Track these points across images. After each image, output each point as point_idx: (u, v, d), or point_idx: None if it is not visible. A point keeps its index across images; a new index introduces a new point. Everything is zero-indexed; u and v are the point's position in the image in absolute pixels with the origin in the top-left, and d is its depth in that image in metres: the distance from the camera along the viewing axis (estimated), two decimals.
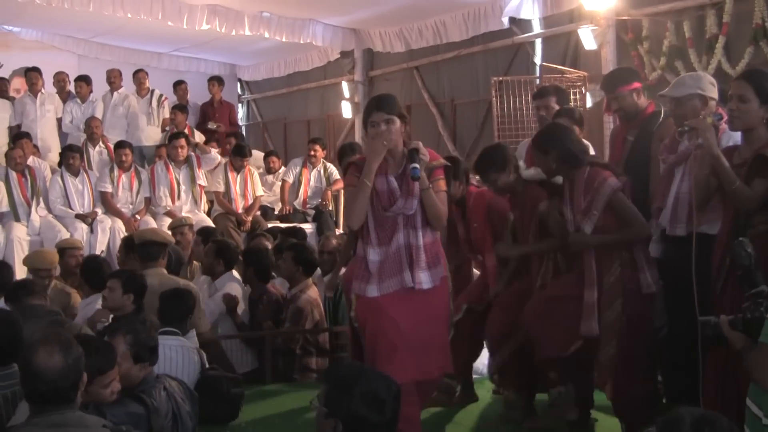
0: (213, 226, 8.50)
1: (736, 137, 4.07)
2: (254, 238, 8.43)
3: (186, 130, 10.19)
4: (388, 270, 4.09)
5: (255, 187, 9.53)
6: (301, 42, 11.88)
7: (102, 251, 8.40)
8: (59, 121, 10.51)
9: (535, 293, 4.67)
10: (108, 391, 3.50)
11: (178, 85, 11.71)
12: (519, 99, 9.10)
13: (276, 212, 9.88)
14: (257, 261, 6.68)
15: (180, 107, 10.73)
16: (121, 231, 8.59)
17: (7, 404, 3.54)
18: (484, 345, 5.26)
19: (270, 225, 9.19)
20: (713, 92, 4.39)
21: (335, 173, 9.62)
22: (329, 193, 9.71)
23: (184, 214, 8.80)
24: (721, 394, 3.62)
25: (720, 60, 7.62)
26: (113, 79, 10.64)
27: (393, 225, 4.10)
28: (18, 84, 12.16)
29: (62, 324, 4.43)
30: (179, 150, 9.21)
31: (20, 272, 7.56)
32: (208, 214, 9.38)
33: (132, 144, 9.57)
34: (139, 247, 6.17)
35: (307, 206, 9.71)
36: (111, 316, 5.19)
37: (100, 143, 9.82)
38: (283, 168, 10.40)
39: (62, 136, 10.50)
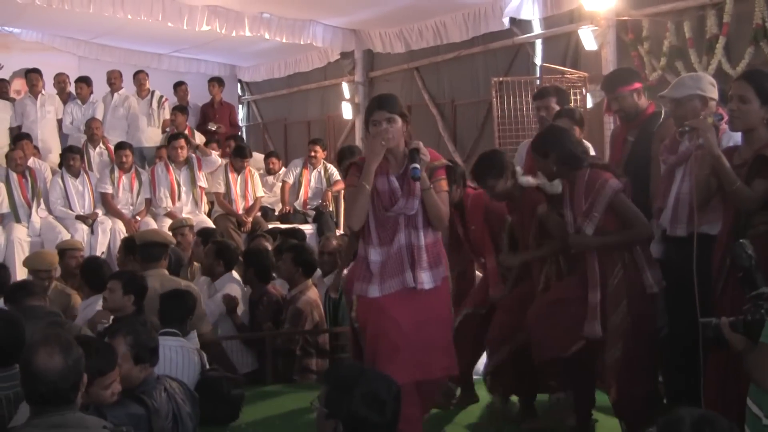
0: (213, 227, 8.51)
1: (737, 137, 4.07)
2: (254, 239, 8.43)
3: (186, 131, 10.20)
4: (389, 270, 4.08)
5: (255, 188, 9.54)
6: (301, 43, 11.88)
7: (102, 252, 8.40)
8: (60, 122, 10.52)
9: (538, 296, 4.66)
10: (108, 392, 3.50)
11: (179, 86, 11.72)
12: (519, 99, 9.10)
13: (276, 213, 9.88)
14: (258, 262, 6.68)
15: (180, 108, 10.74)
16: (122, 232, 8.59)
17: (8, 405, 3.54)
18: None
19: (270, 226, 9.19)
20: (713, 93, 4.38)
21: (336, 174, 9.61)
22: (330, 194, 9.71)
23: (184, 215, 8.80)
24: (723, 395, 3.62)
25: (720, 60, 7.61)
26: (113, 80, 10.65)
27: (394, 225, 4.10)
28: (18, 85, 12.17)
29: (62, 325, 4.43)
30: (179, 151, 9.22)
31: (20, 273, 7.57)
32: (209, 215, 9.38)
33: (132, 145, 9.57)
34: (141, 248, 6.18)
35: (308, 207, 9.70)
36: (111, 317, 5.19)
37: (101, 144, 9.82)
38: (283, 169, 10.40)
39: (63, 137, 10.51)
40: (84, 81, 10.65)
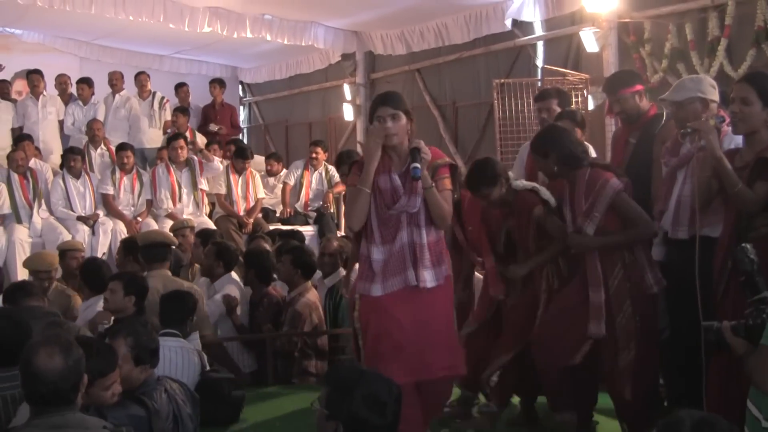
0: (213, 228, 8.51)
1: (738, 140, 4.07)
2: (253, 240, 8.42)
3: (187, 133, 10.21)
4: (391, 268, 4.08)
5: (256, 189, 9.54)
6: (303, 44, 11.88)
7: (104, 253, 8.41)
8: (61, 123, 10.53)
9: (542, 303, 4.64)
10: (109, 393, 3.50)
11: (180, 88, 11.74)
12: (520, 101, 9.09)
13: (277, 215, 9.88)
14: (258, 263, 6.68)
15: (181, 109, 10.75)
16: (123, 233, 8.58)
17: (8, 405, 3.54)
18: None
19: (271, 227, 9.19)
20: (714, 95, 4.38)
21: (337, 175, 9.61)
22: (331, 195, 9.71)
23: (185, 216, 8.80)
24: (725, 398, 3.62)
25: (722, 62, 7.60)
26: (115, 81, 10.67)
27: (396, 223, 4.09)
28: (20, 86, 12.17)
29: (60, 325, 4.42)
30: (179, 151, 9.22)
31: (21, 274, 7.58)
32: (210, 216, 9.38)
33: (134, 146, 9.58)
34: (145, 249, 6.18)
35: (309, 209, 9.70)
36: (112, 318, 5.19)
37: (102, 145, 9.83)
38: (284, 170, 10.40)
39: (64, 138, 10.51)
40: (85, 82, 10.67)
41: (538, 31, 9.92)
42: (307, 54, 13.41)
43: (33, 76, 10.45)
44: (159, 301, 5.14)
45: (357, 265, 4.32)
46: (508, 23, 9.72)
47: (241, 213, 9.27)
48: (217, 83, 12.06)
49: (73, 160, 8.92)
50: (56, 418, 2.85)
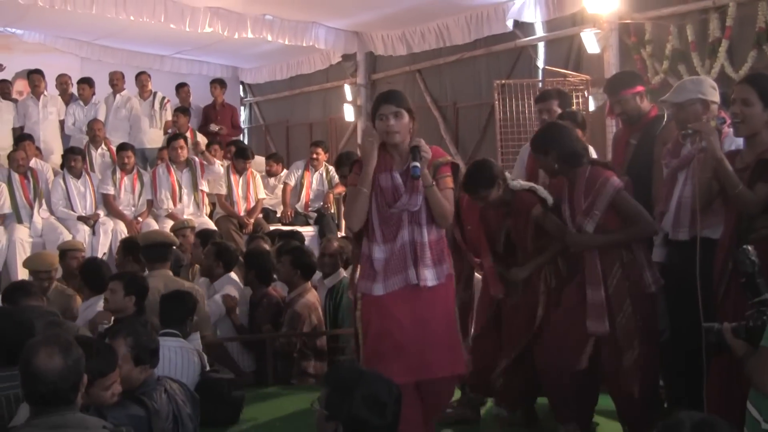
0: (213, 228, 8.51)
1: (739, 141, 4.07)
2: (252, 240, 8.43)
3: (188, 133, 10.21)
4: (392, 267, 4.07)
5: (257, 189, 9.54)
6: (304, 45, 11.88)
7: (104, 253, 8.41)
8: (62, 123, 10.53)
9: (541, 308, 4.63)
10: (109, 393, 3.50)
11: (181, 88, 11.73)
12: (521, 102, 9.09)
13: (278, 215, 9.88)
14: (259, 264, 6.68)
15: (182, 110, 10.75)
16: (123, 233, 8.58)
17: (8, 405, 3.54)
18: None
19: (272, 228, 9.19)
20: (714, 96, 4.38)
21: (337, 176, 9.61)
22: (331, 196, 9.71)
23: (186, 216, 8.80)
24: (725, 400, 3.61)
25: (723, 64, 7.60)
26: (116, 81, 10.68)
27: (398, 222, 4.08)
28: (21, 86, 12.17)
29: (59, 325, 4.42)
30: (179, 151, 9.23)
31: (22, 274, 7.58)
32: (210, 216, 9.38)
33: (134, 146, 9.59)
34: (147, 249, 6.18)
35: (309, 209, 9.70)
36: (112, 318, 5.19)
37: (103, 145, 9.84)
38: (284, 171, 10.40)
39: (65, 138, 10.52)
40: (86, 82, 10.68)
41: (539, 32, 9.92)
42: (308, 54, 13.41)
43: (34, 76, 10.46)
44: (159, 301, 5.14)
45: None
46: (509, 24, 9.73)
47: (242, 213, 9.28)
48: (218, 83, 12.05)
49: (73, 160, 8.92)
50: (56, 417, 2.85)
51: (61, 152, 9.74)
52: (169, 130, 10.52)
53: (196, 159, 9.45)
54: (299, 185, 9.79)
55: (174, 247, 6.69)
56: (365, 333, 4.15)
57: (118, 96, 10.62)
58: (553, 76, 9.15)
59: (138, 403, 3.69)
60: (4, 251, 8.34)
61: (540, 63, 9.90)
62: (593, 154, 4.90)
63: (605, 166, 4.48)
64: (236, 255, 6.91)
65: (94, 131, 9.76)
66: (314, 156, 9.83)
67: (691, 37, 7.95)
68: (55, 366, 2.84)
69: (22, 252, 8.23)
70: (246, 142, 14.13)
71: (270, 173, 10.41)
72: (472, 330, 5.03)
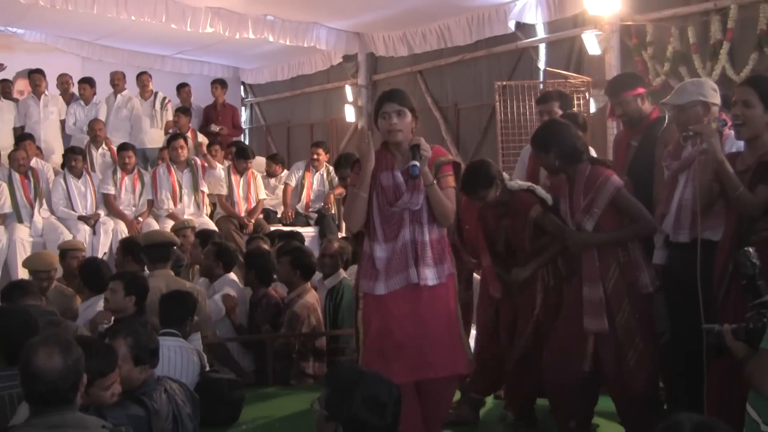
0: (212, 228, 8.51)
1: (740, 143, 4.07)
2: (251, 240, 8.43)
3: (189, 133, 10.21)
4: (394, 266, 4.07)
5: (258, 190, 9.54)
6: (305, 45, 11.88)
7: (104, 253, 8.42)
8: (62, 123, 10.54)
9: (538, 307, 4.63)
10: (108, 393, 3.50)
11: (182, 88, 11.73)
12: (522, 104, 9.09)
13: (279, 216, 9.88)
14: (259, 264, 6.68)
15: (183, 110, 10.76)
16: (124, 233, 8.59)
17: (9, 405, 3.54)
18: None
19: (272, 228, 9.19)
20: (715, 98, 4.38)
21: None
22: (332, 196, 9.71)
23: (186, 217, 8.80)
24: (725, 402, 3.61)
25: (724, 66, 7.60)
26: (117, 81, 10.68)
27: (399, 221, 4.09)
28: (22, 86, 12.18)
29: (58, 324, 4.42)
30: (179, 151, 9.23)
31: (22, 274, 7.58)
32: (211, 216, 9.38)
33: (135, 146, 9.59)
34: (148, 249, 6.18)
35: (310, 210, 9.71)
36: (112, 318, 5.19)
37: (103, 145, 9.84)
38: (284, 171, 10.40)
39: (65, 138, 10.53)
40: (87, 82, 10.68)
41: (541, 33, 9.92)
42: (309, 55, 13.41)
43: (35, 76, 10.47)
44: (158, 301, 5.14)
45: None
46: (511, 25, 9.72)
47: (242, 214, 9.28)
48: (219, 84, 12.06)
49: (74, 159, 8.92)
50: (55, 417, 2.85)
51: (62, 152, 9.74)
52: (170, 131, 10.53)
53: (197, 159, 9.45)
54: (300, 186, 9.79)
55: (174, 248, 6.69)
56: (366, 332, 4.15)
57: (119, 96, 10.63)
58: (554, 78, 9.16)
59: (138, 403, 3.69)
60: (5, 251, 8.35)
61: (541, 64, 9.91)
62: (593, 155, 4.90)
63: (605, 165, 4.48)
64: (236, 255, 6.92)
65: (95, 131, 9.76)
66: (315, 157, 9.84)
67: (692, 39, 7.95)
68: (54, 366, 2.84)
69: (23, 251, 8.24)
70: (247, 142, 14.14)
71: (271, 174, 10.41)
72: (473, 330, 5.03)
